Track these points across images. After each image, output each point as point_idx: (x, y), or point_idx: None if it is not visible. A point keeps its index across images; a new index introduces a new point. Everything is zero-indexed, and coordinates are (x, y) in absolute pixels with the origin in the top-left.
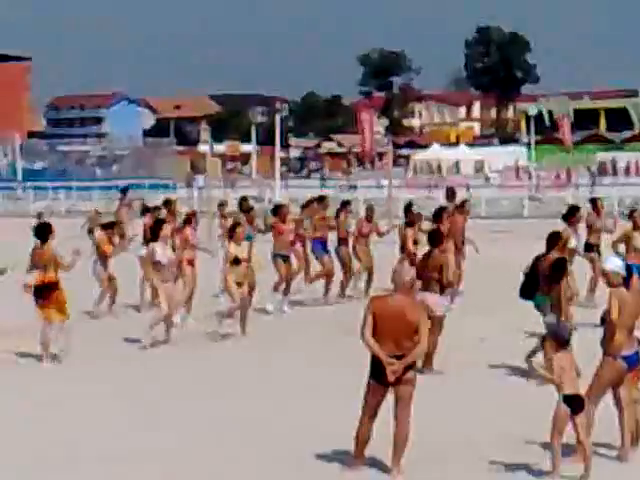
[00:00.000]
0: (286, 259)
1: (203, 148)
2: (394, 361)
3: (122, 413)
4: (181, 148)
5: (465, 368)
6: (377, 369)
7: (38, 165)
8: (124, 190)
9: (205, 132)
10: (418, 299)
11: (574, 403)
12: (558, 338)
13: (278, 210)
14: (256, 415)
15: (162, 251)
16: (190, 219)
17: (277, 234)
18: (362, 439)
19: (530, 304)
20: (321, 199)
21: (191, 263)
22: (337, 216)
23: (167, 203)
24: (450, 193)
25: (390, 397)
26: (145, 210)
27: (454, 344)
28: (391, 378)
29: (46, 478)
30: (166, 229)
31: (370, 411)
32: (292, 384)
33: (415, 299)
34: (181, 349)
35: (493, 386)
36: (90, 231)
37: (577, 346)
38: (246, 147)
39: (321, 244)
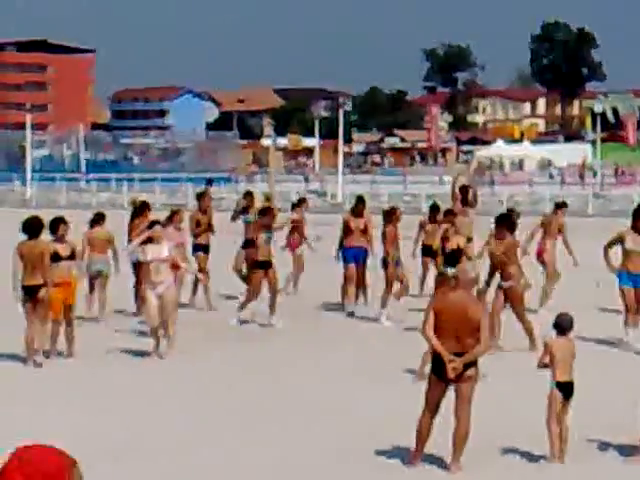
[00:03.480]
0: None
1: (266, 142)
2: (455, 358)
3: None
4: (244, 142)
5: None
6: (438, 365)
7: (101, 157)
8: (210, 182)
9: (268, 126)
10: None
11: (567, 390)
12: (557, 325)
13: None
14: (310, 409)
15: (153, 251)
16: (172, 217)
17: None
18: (422, 434)
19: None
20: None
21: (175, 267)
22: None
23: (248, 195)
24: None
25: (451, 394)
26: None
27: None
28: (451, 375)
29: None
30: (156, 230)
31: (430, 406)
32: (338, 376)
33: (475, 296)
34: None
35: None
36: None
37: None
38: (308, 141)
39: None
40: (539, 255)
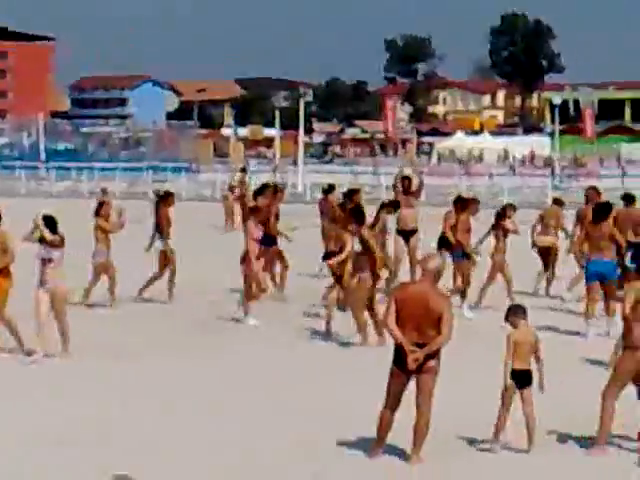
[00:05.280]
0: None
1: (226, 131)
2: (416, 349)
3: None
4: (204, 131)
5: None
6: (399, 356)
7: (61, 146)
8: (244, 169)
9: (229, 116)
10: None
11: (521, 378)
12: (511, 315)
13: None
14: (272, 401)
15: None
16: (100, 206)
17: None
18: (382, 426)
19: None
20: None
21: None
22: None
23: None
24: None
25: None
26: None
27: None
28: (412, 366)
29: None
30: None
31: (391, 398)
32: (309, 368)
33: (438, 287)
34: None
35: None
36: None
37: None
38: (269, 131)
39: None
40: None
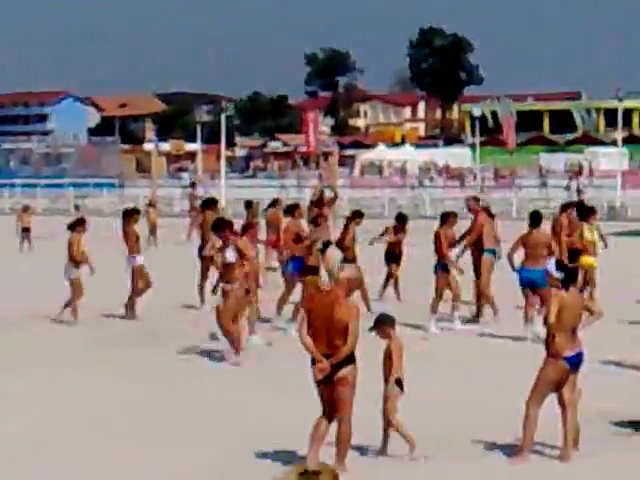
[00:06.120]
0: None
1: (148, 146)
2: (322, 359)
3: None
4: (126, 147)
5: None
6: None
7: None
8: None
9: (150, 131)
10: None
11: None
12: (378, 324)
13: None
14: (205, 414)
15: None
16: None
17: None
18: (315, 436)
19: None
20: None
21: None
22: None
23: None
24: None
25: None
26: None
27: None
28: (318, 376)
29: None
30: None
31: (324, 409)
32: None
33: (347, 297)
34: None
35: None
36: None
37: None
38: (191, 146)
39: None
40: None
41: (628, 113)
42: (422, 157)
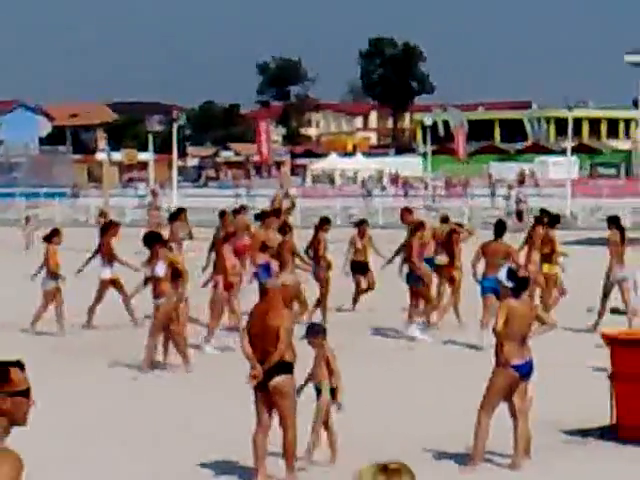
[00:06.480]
0: None
1: (100, 156)
2: (256, 365)
3: None
4: (78, 156)
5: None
6: None
7: None
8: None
9: (102, 140)
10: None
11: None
12: (310, 333)
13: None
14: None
15: None
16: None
17: None
18: (256, 450)
19: None
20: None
21: None
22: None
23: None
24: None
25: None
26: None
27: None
28: (250, 382)
29: None
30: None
31: (260, 420)
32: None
33: (283, 304)
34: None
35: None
36: None
37: None
38: (143, 155)
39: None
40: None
41: (578, 122)
42: (374, 166)
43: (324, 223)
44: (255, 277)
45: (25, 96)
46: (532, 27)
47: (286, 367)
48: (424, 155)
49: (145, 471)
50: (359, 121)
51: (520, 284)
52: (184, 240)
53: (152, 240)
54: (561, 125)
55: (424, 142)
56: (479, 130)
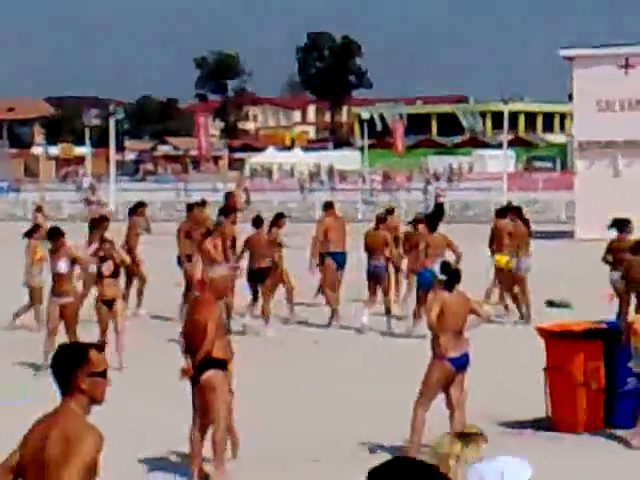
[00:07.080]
0: None
1: (36, 150)
2: (186, 359)
3: None
4: (14, 150)
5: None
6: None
7: None
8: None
9: (39, 134)
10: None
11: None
12: None
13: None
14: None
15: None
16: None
17: None
18: (193, 445)
19: None
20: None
21: None
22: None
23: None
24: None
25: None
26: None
27: None
28: (180, 375)
29: None
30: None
31: (194, 412)
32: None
33: (214, 298)
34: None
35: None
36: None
37: None
38: (80, 149)
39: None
40: None
41: (514, 116)
42: (311, 160)
43: (279, 218)
44: None
45: None
46: (469, 22)
47: (215, 363)
48: (362, 149)
49: None
50: (297, 115)
51: (453, 277)
52: (142, 234)
53: (56, 234)
54: (497, 119)
55: (362, 136)
56: (417, 124)
